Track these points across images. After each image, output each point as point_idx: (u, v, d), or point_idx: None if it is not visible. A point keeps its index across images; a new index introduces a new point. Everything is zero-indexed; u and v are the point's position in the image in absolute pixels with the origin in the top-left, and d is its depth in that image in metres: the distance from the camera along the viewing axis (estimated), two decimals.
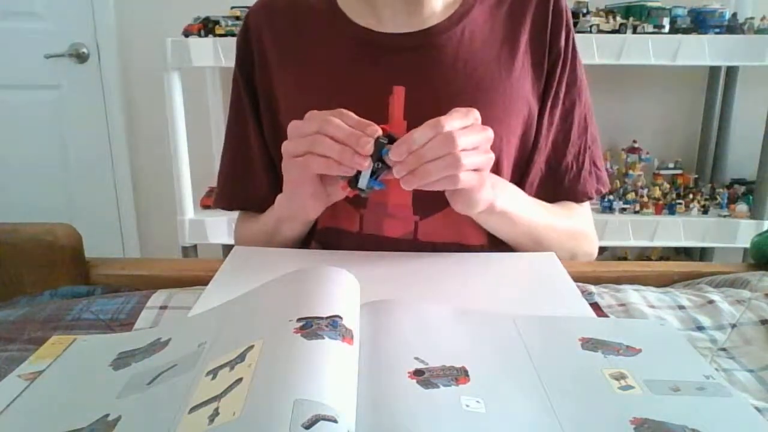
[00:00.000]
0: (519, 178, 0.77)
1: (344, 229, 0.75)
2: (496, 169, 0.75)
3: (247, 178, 0.81)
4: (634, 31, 1.68)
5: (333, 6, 0.76)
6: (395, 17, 0.73)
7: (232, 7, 1.76)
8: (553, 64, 0.75)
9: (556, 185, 0.79)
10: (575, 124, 0.78)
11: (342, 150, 0.58)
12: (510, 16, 0.75)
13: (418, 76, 0.72)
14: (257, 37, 0.78)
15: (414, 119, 0.71)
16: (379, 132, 0.58)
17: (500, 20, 0.75)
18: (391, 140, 0.58)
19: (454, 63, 0.72)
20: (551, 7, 0.75)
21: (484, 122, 0.72)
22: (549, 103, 0.76)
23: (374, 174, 0.59)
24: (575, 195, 0.80)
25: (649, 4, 1.69)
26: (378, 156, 0.58)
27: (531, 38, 0.74)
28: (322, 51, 0.75)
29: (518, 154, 0.76)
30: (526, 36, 0.74)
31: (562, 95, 0.76)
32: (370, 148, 0.57)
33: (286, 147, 0.63)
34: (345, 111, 0.60)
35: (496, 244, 0.76)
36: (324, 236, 0.77)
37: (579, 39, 0.78)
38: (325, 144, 0.58)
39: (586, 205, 0.83)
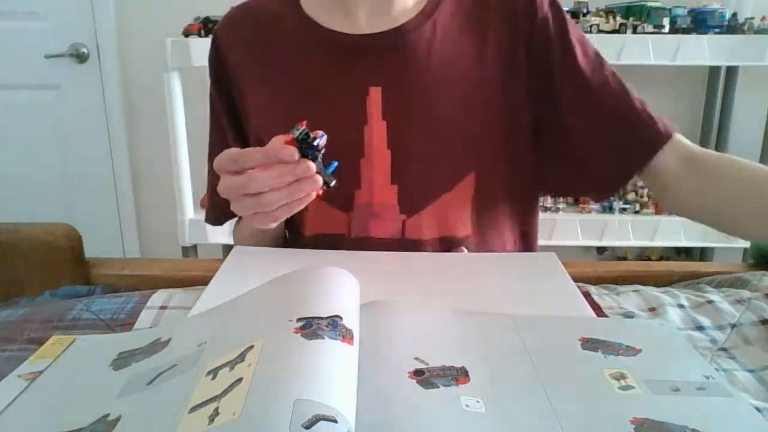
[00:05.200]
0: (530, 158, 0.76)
1: (333, 234, 0.75)
2: (479, 160, 0.73)
3: None
4: (634, 31, 1.68)
5: (299, 12, 0.75)
6: (365, 18, 0.72)
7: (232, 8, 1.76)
8: (555, 55, 0.72)
9: (641, 141, 0.72)
10: (620, 87, 0.72)
11: (290, 192, 0.55)
12: (474, 4, 0.73)
13: (393, 75, 0.71)
14: (228, 54, 0.77)
15: (393, 119, 0.71)
16: (288, 137, 0.55)
17: (467, 10, 0.73)
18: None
19: (428, 59, 0.71)
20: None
21: (464, 117, 0.71)
22: (571, 91, 0.72)
23: (320, 159, 0.56)
24: (665, 132, 0.71)
25: (649, 4, 1.69)
26: (308, 147, 0.55)
27: (499, 25, 0.72)
28: (293, 59, 0.74)
29: (505, 136, 0.73)
30: (492, 21, 0.72)
31: (588, 75, 0.72)
32: (296, 157, 0.54)
33: (235, 209, 0.60)
34: (246, 150, 0.56)
35: (482, 234, 0.76)
36: (313, 243, 0.76)
37: None
38: (272, 198, 0.55)
39: (680, 139, 0.73)
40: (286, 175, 0.54)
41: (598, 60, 0.74)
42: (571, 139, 0.74)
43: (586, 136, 0.73)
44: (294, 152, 0.54)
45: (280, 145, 0.54)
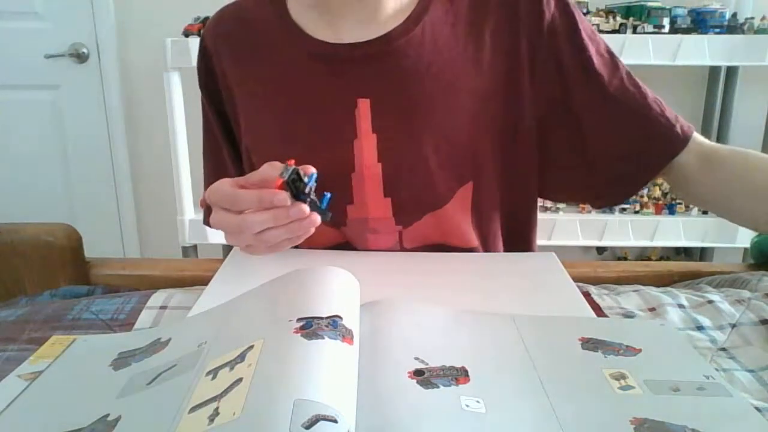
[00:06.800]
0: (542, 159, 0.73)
1: (328, 247, 0.74)
2: (477, 169, 0.71)
3: None
4: (634, 31, 1.68)
5: (286, 20, 0.71)
6: (352, 26, 0.69)
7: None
8: (567, 59, 0.69)
9: (658, 146, 0.70)
10: (636, 90, 0.71)
11: (288, 230, 0.55)
12: (470, 6, 0.70)
13: (382, 85, 0.68)
14: (216, 59, 0.75)
15: (383, 131, 0.68)
16: (278, 180, 0.54)
17: (461, 13, 0.70)
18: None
19: (418, 67, 0.68)
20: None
21: (459, 126, 0.68)
22: (589, 100, 0.70)
23: (312, 198, 0.56)
24: (683, 136, 0.70)
25: (649, 4, 1.69)
26: (300, 188, 0.55)
27: (498, 27, 0.69)
28: (280, 68, 0.71)
29: (505, 144, 0.71)
30: (490, 24, 0.69)
31: (605, 80, 0.70)
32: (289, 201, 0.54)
33: (229, 241, 0.60)
34: (240, 192, 0.56)
35: (485, 242, 0.75)
36: None
37: None
38: (272, 234, 0.56)
39: (697, 138, 0.71)
40: (282, 219, 0.54)
41: (612, 60, 0.71)
42: (585, 143, 0.72)
43: (602, 141, 0.71)
44: (286, 198, 0.53)
45: (272, 190, 0.54)
